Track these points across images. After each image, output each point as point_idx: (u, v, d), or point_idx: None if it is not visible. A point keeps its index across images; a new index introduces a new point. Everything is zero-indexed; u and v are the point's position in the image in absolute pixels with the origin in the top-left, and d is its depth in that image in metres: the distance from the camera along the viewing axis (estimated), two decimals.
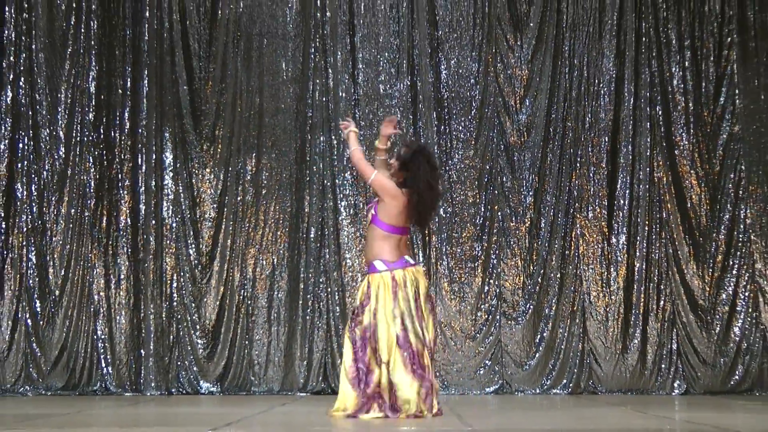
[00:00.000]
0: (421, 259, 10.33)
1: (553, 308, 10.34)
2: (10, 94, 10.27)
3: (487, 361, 10.29)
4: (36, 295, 10.11)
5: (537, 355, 10.30)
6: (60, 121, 10.31)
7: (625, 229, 10.45)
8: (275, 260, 10.33)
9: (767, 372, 10.30)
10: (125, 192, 10.31)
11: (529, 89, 10.61)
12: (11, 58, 10.30)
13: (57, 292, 10.13)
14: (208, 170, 10.46)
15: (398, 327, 6.92)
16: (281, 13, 10.55)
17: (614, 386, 10.25)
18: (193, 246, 10.33)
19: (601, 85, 10.56)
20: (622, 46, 10.59)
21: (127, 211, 10.30)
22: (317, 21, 10.51)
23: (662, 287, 10.38)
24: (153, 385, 10.06)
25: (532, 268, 10.41)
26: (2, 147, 10.25)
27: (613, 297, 10.37)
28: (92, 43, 10.39)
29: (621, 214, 10.46)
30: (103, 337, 10.13)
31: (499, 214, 10.46)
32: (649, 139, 10.52)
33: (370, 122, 10.44)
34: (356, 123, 10.33)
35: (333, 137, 10.43)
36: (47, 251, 10.16)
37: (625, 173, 10.48)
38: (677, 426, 6.87)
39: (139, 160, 10.34)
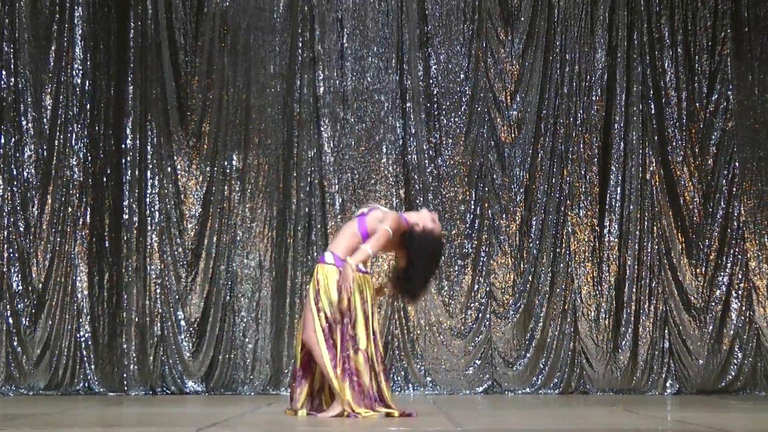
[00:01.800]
0: None
1: (544, 307, 10.34)
2: None
3: (476, 361, 10.27)
4: (18, 294, 10.04)
5: (527, 355, 10.30)
6: (44, 117, 10.24)
7: (616, 226, 10.46)
8: (262, 258, 10.30)
9: (760, 371, 10.33)
10: (109, 188, 10.27)
11: (520, 85, 10.61)
12: None
13: (40, 290, 10.07)
14: (194, 166, 10.42)
15: (323, 320, 6.80)
16: (268, 7, 10.52)
17: (605, 386, 10.25)
18: (178, 243, 10.30)
19: (593, 81, 10.57)
20: (614, 41, 10.60)
21: (111, 208, 10.26)
22: (305, 15, 10.48)
23: (654, 285, 10.41)
24: (137, 384, 10.04)
25: (522, 266, 10.42)
26: None
27: (604, 295, 10.39)
28: (77, 37, 10.33)
29: (613, 211, 10.47)
30: (86, 336, 10.08)
31: (489, 211, 10.46)
32: (641, 135, 10.53)
33: (359, 118, 10.44)
34: (345, 118, 10.38)
35: (321, 132, 10.42)
36: (30, 249, 10.10)
37: (617, 170, 10.49)
38: (669, 426, 6.83)
39: (124, 155, 10.30)
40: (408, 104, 10.45)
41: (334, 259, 6.80)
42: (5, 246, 10.06)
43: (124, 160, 10.29)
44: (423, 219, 6.95)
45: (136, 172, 10.26)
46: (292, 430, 6.24)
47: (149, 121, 10.34)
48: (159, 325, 10.15)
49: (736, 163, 10.51)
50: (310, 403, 6.94)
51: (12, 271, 10.05)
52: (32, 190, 10.16)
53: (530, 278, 10.37)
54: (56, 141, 10.21)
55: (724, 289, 10.38)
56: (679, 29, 10.61)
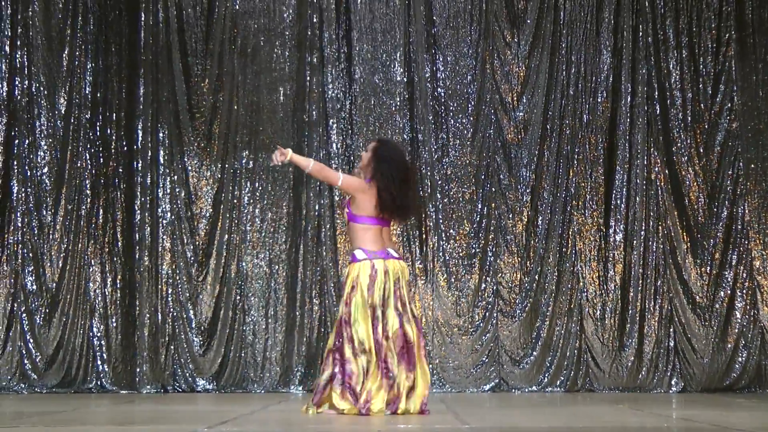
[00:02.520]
0: (417, 255, 10.31)
1: (550, 306, 10.33)
2: (6, 90, 10.23)
3: (483, 359, 10.27)
4: (32, 293, 10.07)
5: (534, 353, 10.29)
6: (57, 119, 10.27)
7: (622, 226, 10.43)
8: (272, 257, 10.31)
9: (765, 370, 10.30)
10: (121, 189, 10.30)
11: (526, 86, 10.59)
12: (7, 56, 10.25)
13: (53, 290, 10.09)
14: (204, 167, 10.42)
15: (377, 316, 6.88)
16: (278, 10, 10.51)
17: (611, 384, 10.25)
18: (189, 243, 10.31)
19: (599, 82, 10.54)
20: (619, 42, 10.57)
21: (123, 209, 10.28)
22: (313, 18, 10.47)
23: (659, 284, 10.37)
24: (149, 382, 10.06)
25: (529, 265, 10.40)
26: None
27: (610, 294, 10.37)
28: (88, 40, 10.36)
29: (618, 211, 10.45)
30: (98, 334, 10.11)
31: (496, 211, 10.45)
32: (646, 136, 10.50)
33: (366, 119, 10.44)
34: (353, 119, 10.39)
35: (330, 134, 10.41)
36: (43, 249, 10.13)
37: (623, 170, 10.47)
38: (674, 424, 6.82)
39: (135, 157, 10.32)
40: (415, 105, 10.46)
41: (366, 255, 6.95)
42: (19, 246, 10.09)
43: (135, 162, 10.30)
44: (364, 163, 7.12)
45: (148, 173, 10.28)
46: (302, 428, 6.26)
47: (160, 123, 10.35)
48: (170, 324, 10.16)
49: (741, 164, 10.47)
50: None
51: (26, 270, 10.08)
52: (46, 192, 10.18)
53: (537, 277, 10.36)
54: (69, 143, 10.24)
55: (729, 289, 10.35)
56: (683, 31, 10.58)
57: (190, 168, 10.40)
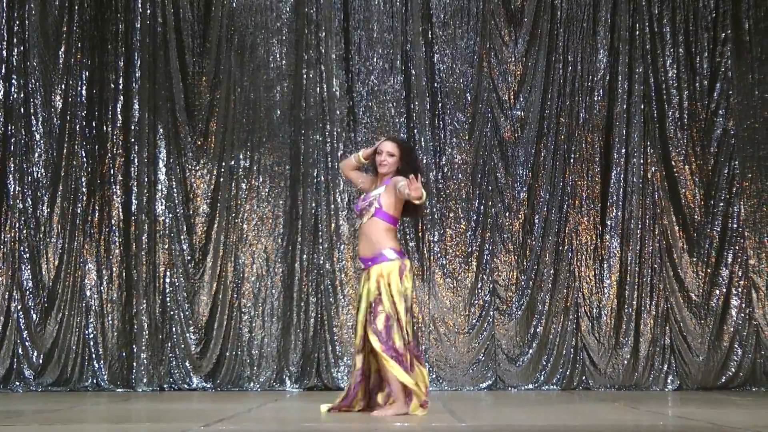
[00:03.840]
0: (414, 253, 10.32)
1: (547, 304, 10.34)
2: (2, 89, 10.23)
3: (480, 357, 10.28)
4: (28, 291, 10.08)
5: (530, 351, 10.30)
6: (53, 117, 10.27)
7: (618, 224, 10.45)
8: (269, 256, 10.31)
9: (760, 367, 10.32)
10: (118, 187, 10.29)
11: (523, 85, 10.60)
12: (3, 54, 10.26)
13: (49, 288, 10.10)
14: (201, 165, 10.43)
15: (403, 314, 6.89)
16: (275, 8, 10.52)
17: (607, 382, 10.26)
18: (186, 242, 10.31)
19: (595, 81, 10.56)
20: (616, 41, 10.58)
21: (120, 207, 10.27)
22: (311, 16, 10.48)
23: (656, 283, 10.39)
24: (145, 381, 10.05)
25: (525, 263, 10.41)
26: None
27: (606, 293, 10.38)
28: (84, 37, 10.37)
29: (614, 209, 10.45)
30: (95, 332, 10.11)
31: (493, 209, 10.46)
32: (642, 135, 10.51)
33: (363, 117, 10.43)
34: (351, 118, 10.40)
35: (327, 133, 10.41)
36: (40, 246, 10.13)
37: (619, 169, 10.48)
38: (670, 422, 6.84)
39: (132, 155, 10.31)
40: (412, 104, 10.47)
41: (396, 254, 6.93)
42: (16, 244, 10.10)
43: (132, 160, 10.29)
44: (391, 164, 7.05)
45: (144, 171, 10.27)
46: (298, 426, 6.29)
47: (157, 120, 10.35)
48: (167, 322, 10.17)
49: (737, 162, 10.48)
50: (366, 401, 7.03)
51: (22, 268, 10.09)
52: (42, 189, 10.19)
53: (533, 275, 10.37)
54: (65, 141, 10.24)
55: (725, 287, 10.37)
56: (680, 30, 10.58)
57: (186, 166, 10.40)
